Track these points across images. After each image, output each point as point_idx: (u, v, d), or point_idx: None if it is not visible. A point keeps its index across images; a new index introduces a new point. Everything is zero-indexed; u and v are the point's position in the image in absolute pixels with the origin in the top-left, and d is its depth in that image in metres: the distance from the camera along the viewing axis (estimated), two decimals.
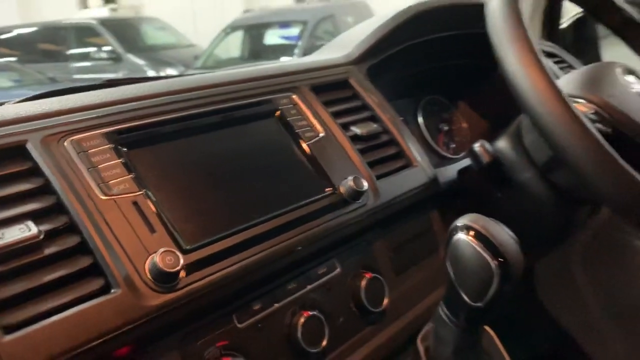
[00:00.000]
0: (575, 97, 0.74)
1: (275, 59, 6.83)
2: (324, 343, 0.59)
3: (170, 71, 6.45)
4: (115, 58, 6.76)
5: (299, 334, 0.58)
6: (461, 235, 0.56)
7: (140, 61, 6.72)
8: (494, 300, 0.56)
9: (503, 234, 0.56)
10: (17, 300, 0.44)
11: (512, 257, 0.55)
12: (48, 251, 0.47)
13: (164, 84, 0.64)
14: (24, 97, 0.62)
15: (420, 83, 1.02)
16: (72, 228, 0.49)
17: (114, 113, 0.57)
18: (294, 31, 6.89)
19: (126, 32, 7.23)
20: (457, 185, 0.82)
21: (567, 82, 0.77)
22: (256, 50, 7.04)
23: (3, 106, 0.57)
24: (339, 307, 0.63)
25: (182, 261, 0.49)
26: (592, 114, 0.71)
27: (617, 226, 1.22)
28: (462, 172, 0.84)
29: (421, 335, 0.67)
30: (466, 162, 0.84)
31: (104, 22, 7.17)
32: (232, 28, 7.07)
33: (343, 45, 0.87)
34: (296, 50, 6.63)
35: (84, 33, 7.12)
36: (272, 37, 7.09)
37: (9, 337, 0.41)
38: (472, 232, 0.55)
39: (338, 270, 0.64)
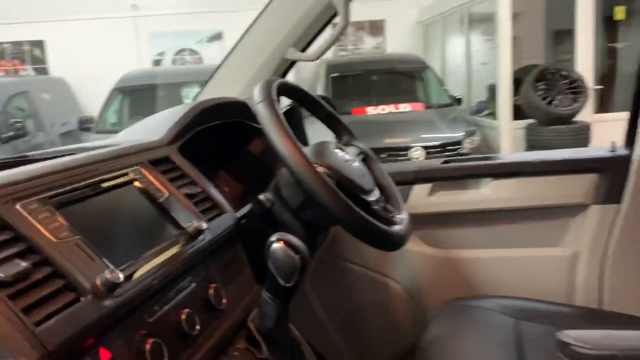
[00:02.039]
0: (313, 163, 1.21)
1: None
2: (198, 328, 0.89)
3: None
4: None
5: (183, 324, 0.87)
6: (276, 244, 0.95)
7: None
8: (298, 280, 0.96)
9: (299, 241, 0.97)
10: (34, 305, 0.65)
11: (305, 254, 0.96)
12: (37, 276, 0.68)
13: (60, 163, 0.88)
14: None
15: (201, 158, 1.39)
16: (44, 262, 0.70)
17: (43, 184, 0.80)
18: None
19: None
20: (243, 226, 1.21)
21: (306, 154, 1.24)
22: None
23: None
24: (201, 306, 0.94)
25: (121, 276, 0.75)
26: (324, 172, 1.19)
27: (334, 253, 1.73)
28: (242, 218, 1.23)
29: (250, 318, 1.03)
30: (245, 210, 1.23)
31: None
32: None
33: (151, 130, 1.19)
34: None
35: None
36: None
37: (40, 328, 0.63)
38: (282, 241, 0.95)
39: (194, 284, 0.95)
